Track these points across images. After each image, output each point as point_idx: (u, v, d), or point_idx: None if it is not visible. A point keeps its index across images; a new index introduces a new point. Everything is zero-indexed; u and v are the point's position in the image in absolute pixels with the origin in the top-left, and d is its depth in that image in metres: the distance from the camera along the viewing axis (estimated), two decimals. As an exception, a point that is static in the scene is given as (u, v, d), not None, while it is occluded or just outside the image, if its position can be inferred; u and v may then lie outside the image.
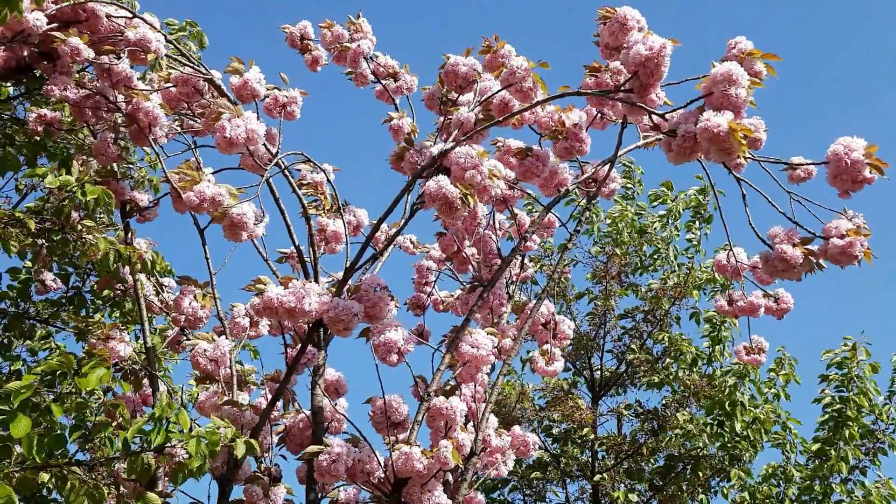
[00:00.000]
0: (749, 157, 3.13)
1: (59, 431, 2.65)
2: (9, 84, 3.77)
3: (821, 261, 3.12)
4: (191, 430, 2.74)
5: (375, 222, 3.60)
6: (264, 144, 3.53)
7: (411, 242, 4.38)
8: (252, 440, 2.94)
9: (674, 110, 3.02)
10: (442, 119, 3.75)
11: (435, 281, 4.20)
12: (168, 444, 2.75)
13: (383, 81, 3.88)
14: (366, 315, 3.25)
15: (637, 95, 3.09)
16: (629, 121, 3.49)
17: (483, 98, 3.62)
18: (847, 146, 2.94)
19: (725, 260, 3.74)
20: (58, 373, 2.71)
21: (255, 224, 3.21)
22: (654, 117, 3.08)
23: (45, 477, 2.63)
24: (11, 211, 3.63)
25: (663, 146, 3.00)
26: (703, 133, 2.75)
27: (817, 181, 3.32)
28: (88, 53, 3.23)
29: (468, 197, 3.20)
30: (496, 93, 3.58)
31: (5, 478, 2.54)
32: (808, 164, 3.24)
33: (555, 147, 3.73)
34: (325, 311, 3.18)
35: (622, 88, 3.15)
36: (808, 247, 3.11)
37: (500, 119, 3.57)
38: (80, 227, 3.49)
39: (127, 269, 3.79)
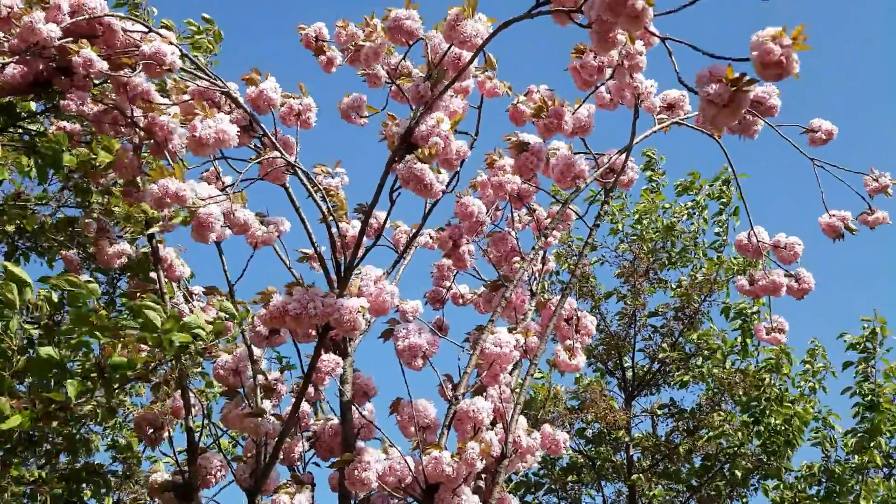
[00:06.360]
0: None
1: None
2: (30, 99, 3.81)
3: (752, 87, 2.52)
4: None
5: (364, 215, 3.56)
6: (281, 152, 3.53)
7: (430, 237, 4.36)
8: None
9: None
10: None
11: (455, 276, 4.18)
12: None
13: (398, 82, 3.86)
14: (372, 310, 3.22)
15: (555, 1, 2.90)
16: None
17: (435, 61, 3.50)
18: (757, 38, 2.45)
19: (746, 239, 3.69)
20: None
21: (223, 226, 3.15)
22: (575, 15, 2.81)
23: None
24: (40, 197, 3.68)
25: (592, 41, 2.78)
26: (602, 5, 2.49)
27: (841, 145, 3.19)
28: (101, 65, 3.22)
29: (438, 168, 3.16)
30: (446, 52, 3.45)
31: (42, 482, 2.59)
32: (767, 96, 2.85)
33: (536, 125, 3.65)
34: (330, 312, 3.16)
35: (540, 2, 2.95)
36: (736, 76, 2.53)
37: (456, 76, 3.43)
38: (105, 200, 3.47)
39: (158, 274, 3.81)
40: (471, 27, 3.27)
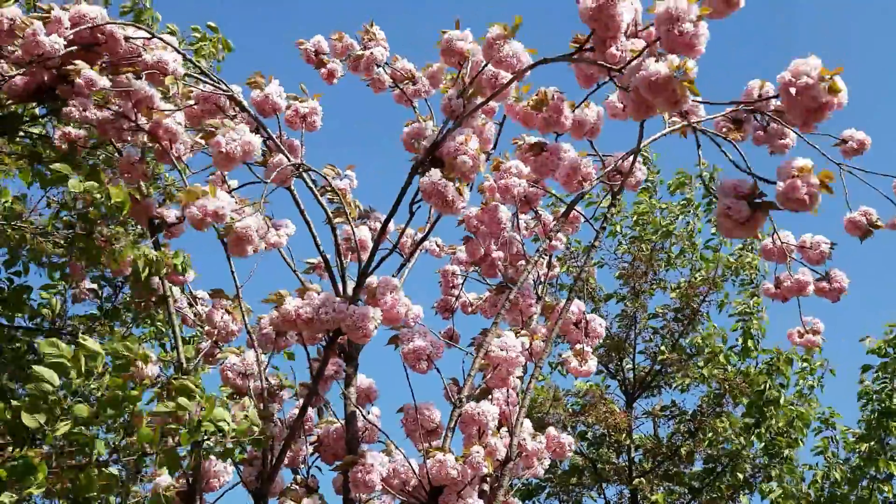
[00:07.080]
0: (697, 101, 2.87)
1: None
2: (34, 107, 3.82)
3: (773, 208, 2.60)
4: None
5: (382, 224, 3.58)
6: (286, 155, 3.53)
7: (437, 245, 4.37)
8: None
9: (630, 62, 2.71)
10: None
11: (462, 283, 4.19)
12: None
13: (401, 85, 3.87)
14: (384, 319, 3.23)
15: (598, 52, 2.86)
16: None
17: (471, 77, 3.46)
18: (794, 71, 2.48)
19: (771, 244, 3.56)
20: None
21: (260, 238, 3.14)
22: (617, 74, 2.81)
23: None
24: (41, 224, 3.66)
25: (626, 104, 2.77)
26: (643, 84, 2.49)
27: (874, 153, 3.13)
28: (104, 83, 3.23)
29: (461, 187, 3.17)
30: (482, 68, 3.41)
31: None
32: (768, 98, 2.80)
33: (536, 120, 3.56)
34: (343, 319, 3.16)
35: (584, 48, 2.93)
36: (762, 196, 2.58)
37: (492, 95, 3.39)
38: (107, 233, 3.47)
39: (157, 279, 3.80)
40: (508, 48, 3.25)
